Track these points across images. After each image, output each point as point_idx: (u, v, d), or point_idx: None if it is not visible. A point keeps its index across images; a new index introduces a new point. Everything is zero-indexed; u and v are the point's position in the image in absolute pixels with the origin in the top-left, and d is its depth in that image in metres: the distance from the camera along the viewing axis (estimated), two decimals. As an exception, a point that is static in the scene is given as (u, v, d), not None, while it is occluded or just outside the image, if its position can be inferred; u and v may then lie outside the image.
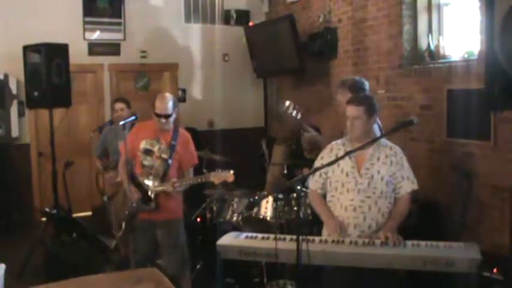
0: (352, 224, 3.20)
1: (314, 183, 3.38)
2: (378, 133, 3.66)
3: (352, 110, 3.20)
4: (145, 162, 3.94)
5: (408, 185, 3.24)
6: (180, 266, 4.03)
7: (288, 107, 3.94)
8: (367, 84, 4.00)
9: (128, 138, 3.98)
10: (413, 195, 3.30)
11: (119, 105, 5.20)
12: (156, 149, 3.94)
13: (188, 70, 7.57)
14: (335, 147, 3.35)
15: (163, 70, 7.52)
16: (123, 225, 4.31)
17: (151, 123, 4.02)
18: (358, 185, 3.20)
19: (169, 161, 3.91)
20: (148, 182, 3.91)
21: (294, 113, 3.90)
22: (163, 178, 3.91)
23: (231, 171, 3.71)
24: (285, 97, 7.58)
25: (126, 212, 3.96)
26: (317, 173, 3.29)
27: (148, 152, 3.94)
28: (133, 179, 3.92)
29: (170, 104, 3.88)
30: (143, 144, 3.96)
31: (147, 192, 3.88)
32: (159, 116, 3.87)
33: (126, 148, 3.85)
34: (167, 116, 3.88)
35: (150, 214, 3.91)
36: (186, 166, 4.02)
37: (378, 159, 3.22)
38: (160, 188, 3.87)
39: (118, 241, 5.03)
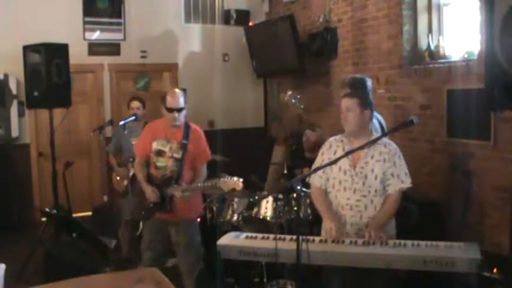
0: (349, 223, 3.21)
1: (318, 179, 3.35)
2: (378, 130, 3.66)
3: (345, 102, 3.21)
4: (159, 164, 3.93)
5: (397, 183, 3.19)
6: (192, 266, 4.05)
7: (290, 96, 3.91)
8: (368, 81, 4.01)
9: (141, 140, 4.03)
10: (404, 193, 3.24)
11: (135, 104, 5.25)
12: (167, 149, 3.92)
13: (188, 70, 7.57)
14: (334, 144, 3.35)
15: (163, 70, 7.52)
16: (141, 224, 4.30)
17: (161, 122, 4.01)
18: (354, 184, 3.20)
19: (182, 162, 3.90)
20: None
21: (296, 103, 3.87)
22: (177, 180, 3.89)
23: (240, 179, 3.67)
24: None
25: (142, 213, 3.98)
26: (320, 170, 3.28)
27: (160, 153, 3.93)
28: (151, 180, 3.94)
29: (182, 98, 3.90)
30: (155, 145, 3.94)
31: (163, 195, 3.88)
32: (171, 110, 3.85)
33: (138, 149, 3.94)
34: (179, 110, 3.87)
35: (165, 214, 3.91)
36: (199, 163, 4.00)
37: (372, 157, 3.21)
38: (171, 192, 3.86)
39: (121, 240, 5.08)
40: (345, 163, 3.21)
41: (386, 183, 3.20)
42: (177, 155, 3.90)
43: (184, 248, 4.00)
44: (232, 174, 3.77)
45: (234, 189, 3.70)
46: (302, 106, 3.84)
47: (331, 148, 3.33)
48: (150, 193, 3.86)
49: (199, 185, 3.85)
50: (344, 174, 3.23)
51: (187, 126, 3.97)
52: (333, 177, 3.29)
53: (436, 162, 4.84)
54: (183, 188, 3.83)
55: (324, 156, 3.34)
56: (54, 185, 5.39)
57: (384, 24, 5.47)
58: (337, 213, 3.25)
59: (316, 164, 3.32)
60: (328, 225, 3.20)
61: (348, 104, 3.20)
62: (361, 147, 3.08)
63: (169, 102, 3.86)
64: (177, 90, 4.02)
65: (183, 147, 3.90)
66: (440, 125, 4.75)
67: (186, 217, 3.98)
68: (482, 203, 4.32)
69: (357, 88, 3.84)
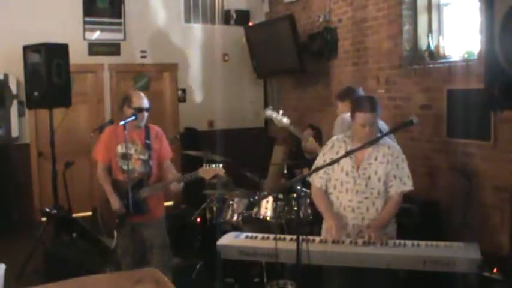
0: (351, 224, 3.22)
1: (318, 179, 3.33)
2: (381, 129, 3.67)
3: (368, 118, 3.12)
4: (126, 167, 3.89)
5: (399, 185, 3.19)
6: (167, 264, 4.07)
7: (272, 111, 3.97)
8: (359, 91, 4.10)
9: (102, 145, 4.04)
10: (405, 196, 3.25)
11: None
12: (133, 151, 3.95)
13: (188, 70, 7.57)
14: (336, 144, 3.33)
15: (163, 70, 7.51)
16: (115, 233, 4.34)
17: (121, 126, 3.93)
18: (357, 185, 3.20)
19: (151, 162, 3.96)
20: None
21: (280, 118, 3.93)
22: (148, 179, 3.95)
23: (220, 165, 3.81)
24: (285, 97, 7.61)
25: (116, 220, 3.98)
26: (321, 170, 3.25)
27: (127, 156, 3.90)
28: (118, 186, 3.95)
29: (146, 98, 3.99)
30: (119, 149, 3.95)
31: (139, 198, 3.89)
32: (140, 110, 3.90)
33: (101, 155, 3.97)
34: (148, 109, 3.96)
35: (138, 217, 3.94)
36: (163, 160, 4.08)
37: (376, 158, 3.20)
38: (153, 190, 3.92)
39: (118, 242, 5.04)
40: (347, 164, 3.21)
41: (388, 185, 3.20)
42: (143, 156, 3.96)
43: (160, 247, 4.02)
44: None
45: (216, 175, 3.84)
46: (285, 120, 3.88)
47: (333, 148, 3.32)
48: (117, 204, 3.90)
49: (182, 176, 3.93)
50: (346, 176, 3.23)
51: (147, 127, 4.04)
52: (334, 178, 3.28)
53: (436, 162, 4.84)
54: (165, 184, 3.93)
55: (325, 156, 3.32)
56: (54, 185, 5.38)
57: (384, 24, 5.47)
58: (338, 214, 3.25)
59: (316, 164, 3.31)
60: (328, 224, 3.20)
61: (373, 119, 3.14)
62: (362, 147, 3.07)
63: (138, 102, 3.93)
64: (138, 91, 4.10)
65: (148, 147, 3.97)
66: (440, 125, 4.75)
67: (159, 216, 4.07)
68: (482, 203, 4.32)
69: (347, 98, 3.94)
